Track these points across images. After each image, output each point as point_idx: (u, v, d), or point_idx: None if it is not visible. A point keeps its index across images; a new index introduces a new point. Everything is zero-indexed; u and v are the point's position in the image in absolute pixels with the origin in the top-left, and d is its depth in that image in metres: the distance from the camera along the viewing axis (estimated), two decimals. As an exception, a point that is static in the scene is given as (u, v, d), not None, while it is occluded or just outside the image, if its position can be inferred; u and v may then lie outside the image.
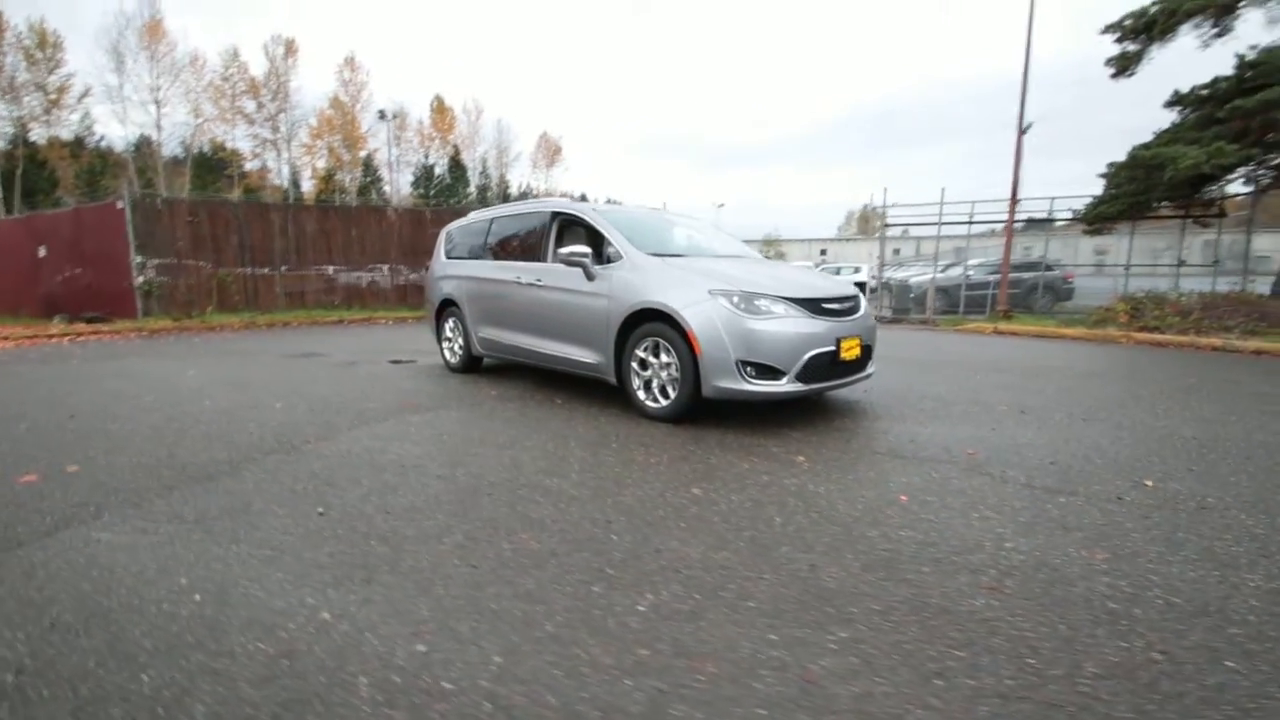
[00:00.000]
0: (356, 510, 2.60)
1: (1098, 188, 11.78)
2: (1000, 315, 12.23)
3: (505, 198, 59.71)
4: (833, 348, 3.86)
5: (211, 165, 43.78)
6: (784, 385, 3.70)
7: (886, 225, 14.70)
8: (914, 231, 20.16)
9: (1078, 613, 1.81)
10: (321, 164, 49.84)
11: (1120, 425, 3.97)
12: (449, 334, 6.18)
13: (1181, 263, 12.19)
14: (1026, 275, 14.71)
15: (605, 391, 5.03)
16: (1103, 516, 2.49)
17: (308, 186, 50.86)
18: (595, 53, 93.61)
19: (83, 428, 3.99)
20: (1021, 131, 11.85)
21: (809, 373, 3.76)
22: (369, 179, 52.93)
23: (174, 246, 12.14)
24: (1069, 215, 12.50)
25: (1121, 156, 10.96)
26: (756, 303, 3.75)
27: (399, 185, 53.04)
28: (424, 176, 56.06)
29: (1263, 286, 10.99)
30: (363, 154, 51.22)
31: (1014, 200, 12.89)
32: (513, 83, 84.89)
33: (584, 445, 3.54)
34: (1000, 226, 13.73)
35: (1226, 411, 4.37)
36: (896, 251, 30.29)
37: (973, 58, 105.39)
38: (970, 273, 14.35)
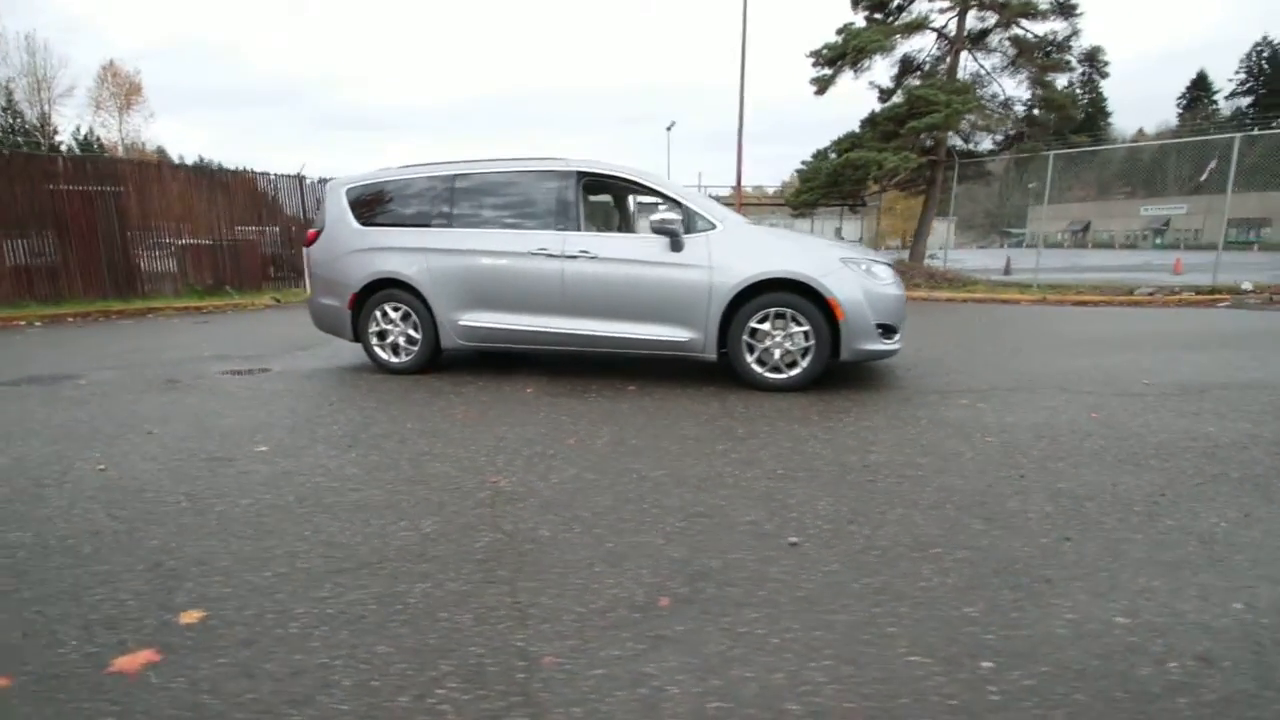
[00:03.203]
0: (819, 538, 2.10)
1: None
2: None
3: (53, 145, 42.72)
4: (903, 306, 4.41)
5: None
6: (898, 341, 4.10)
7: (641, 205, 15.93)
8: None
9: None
10: None
11: (1064, 354, 5.54)
12: (383, 325, 4.68)
13: (840, 236, 16.53)
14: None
15: (669, 371, 4.66)
16: (1241, 405, 3.65)
17: None
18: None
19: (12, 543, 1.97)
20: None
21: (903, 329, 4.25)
22: None
23: None
24: (780, 202, 15.55)
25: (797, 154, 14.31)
26: (874, 269, 4.03)
27: None
28: (-114, 106, 36.57)
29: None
30: None
31: (739, 186, 15.46)
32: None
33: (800, 423, 3.35)
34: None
35: (1077, 339, 6.46)
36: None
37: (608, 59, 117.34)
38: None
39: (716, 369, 4.60)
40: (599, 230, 4.42)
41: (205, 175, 12.34)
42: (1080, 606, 1.65)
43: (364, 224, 4.71)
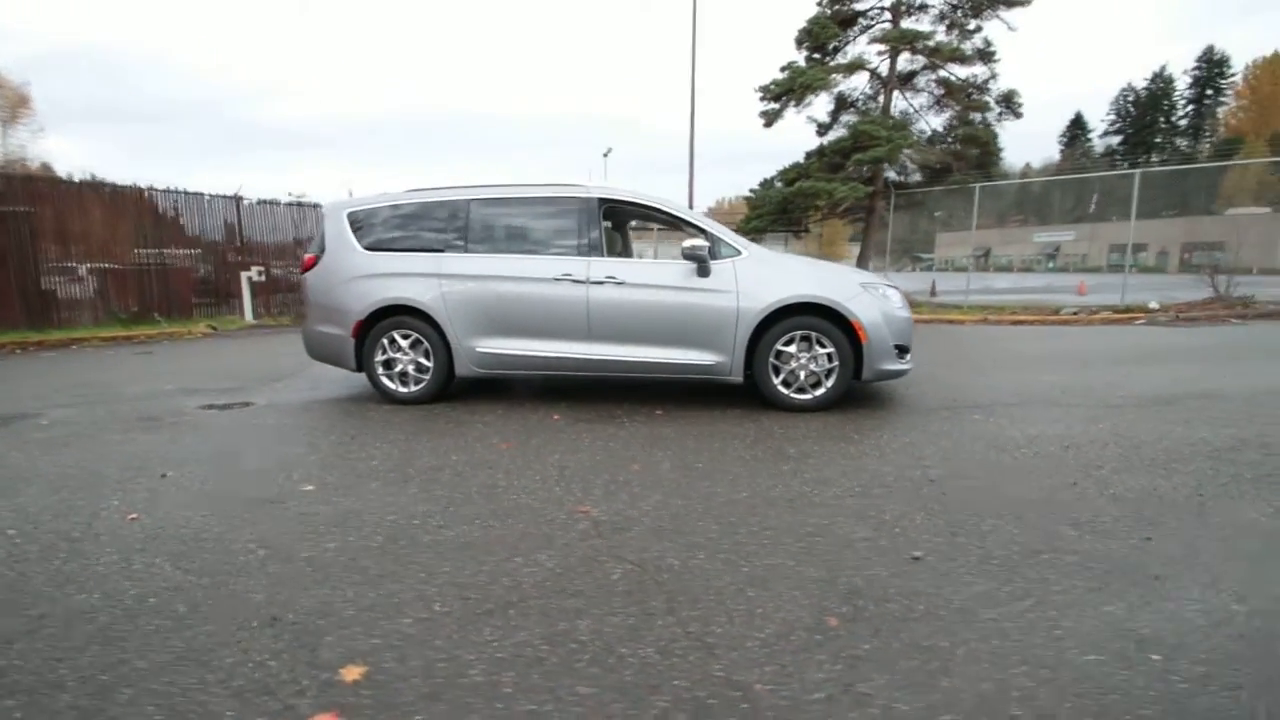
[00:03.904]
0: (936, 551, 2.20)
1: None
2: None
3: (-83, 162, 38.06)
4: (905, 328, 4.68)
5: None
6: (910, 361, 4.34)
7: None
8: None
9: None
10: None
11: (1031, 370, 5.97)
12: (391, 354, 4.49)
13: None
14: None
15: (689, 394, 4.72)
16: (1216, 412, 4.04)
17: None
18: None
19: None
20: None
21: (910, 349, 4.50)
22: None
23: None
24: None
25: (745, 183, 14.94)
26: (886, 293, 4.26)
27: None
28: None
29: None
30: None
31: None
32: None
33: (845, 441, 3.47)
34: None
35: (1034, 356, 6.96)
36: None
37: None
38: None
39: (736, 391, 4.70)
40: (614, 256, 4.45)
41: (130, 195, 11.41)
42: (1199, 598, 1.82)
43: (369, 249, 4.53)
